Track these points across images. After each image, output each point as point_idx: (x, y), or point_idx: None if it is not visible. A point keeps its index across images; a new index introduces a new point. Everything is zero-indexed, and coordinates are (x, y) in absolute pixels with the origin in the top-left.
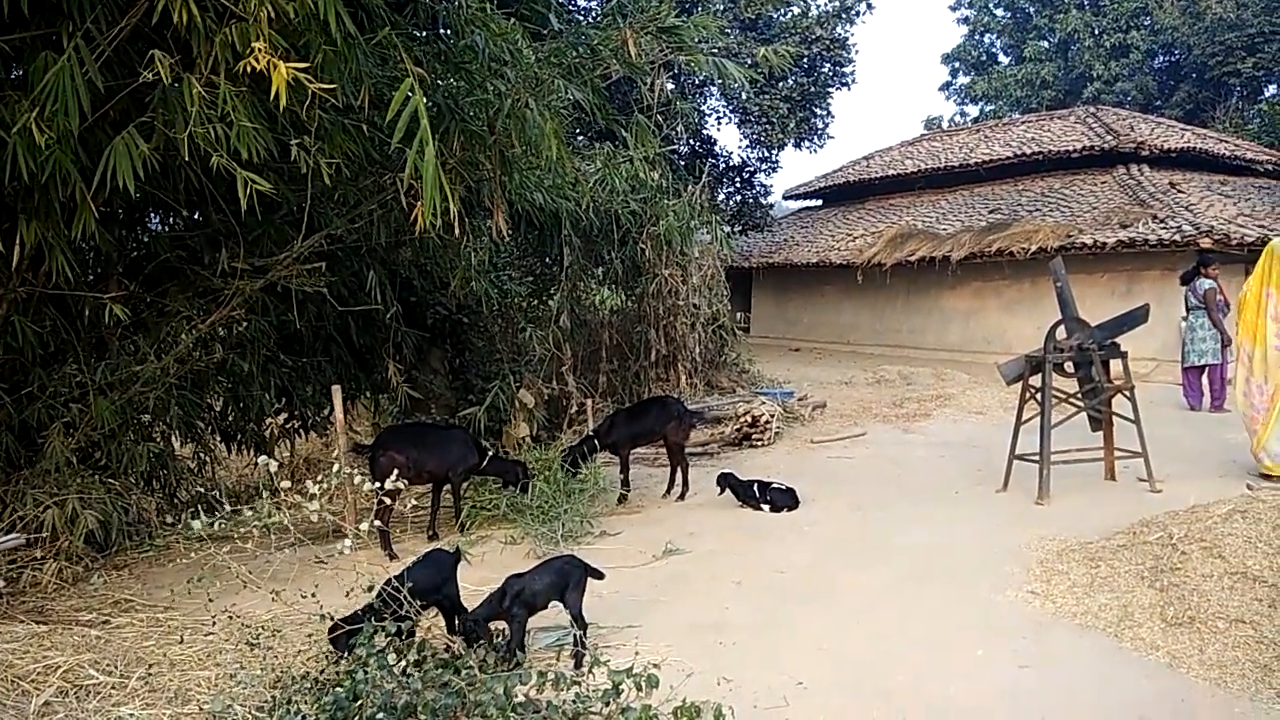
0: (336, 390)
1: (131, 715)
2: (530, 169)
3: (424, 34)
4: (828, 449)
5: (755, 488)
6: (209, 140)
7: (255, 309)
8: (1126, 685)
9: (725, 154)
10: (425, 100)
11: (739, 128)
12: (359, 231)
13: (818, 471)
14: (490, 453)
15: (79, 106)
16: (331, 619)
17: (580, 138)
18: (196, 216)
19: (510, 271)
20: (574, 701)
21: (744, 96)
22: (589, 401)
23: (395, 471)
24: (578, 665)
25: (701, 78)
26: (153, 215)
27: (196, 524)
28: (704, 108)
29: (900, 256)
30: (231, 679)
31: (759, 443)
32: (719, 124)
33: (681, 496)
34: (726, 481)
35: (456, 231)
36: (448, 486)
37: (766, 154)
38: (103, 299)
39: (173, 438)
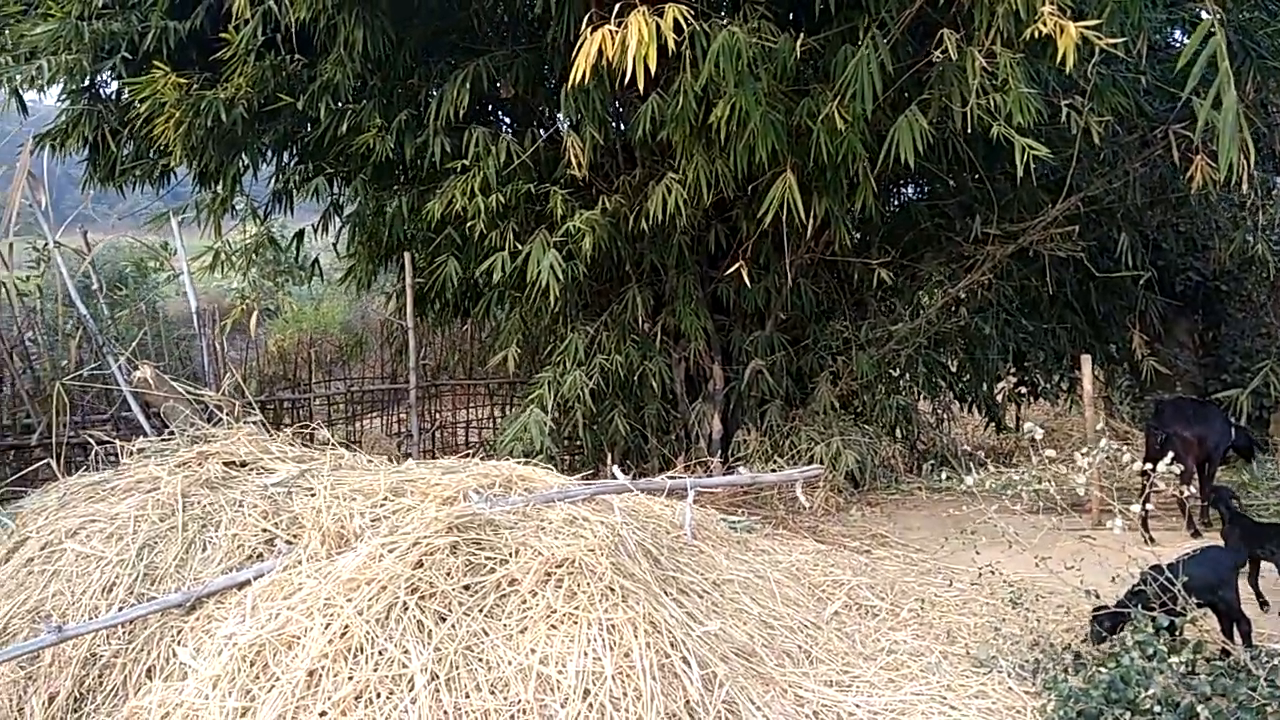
0: (1086, 360)
1: (904, 642)
2: None
3: None
4: None
5: None
6: (986, 110)
7: (999, 273)
8: None
9: None
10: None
11: None
12: (1115, 192)
13: None
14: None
15: (873, 91)
16: (1097, 597)
17: None
18: (951, 184)
19: None
20: None
21: None
22: None
23: (1176, 453)
24: None
25: None
26: (909, 185)
27: (969, 479)
28: None
29: None
30: (995, 631)
31: None
32: None
33: None
34: None
35: (1245, 187)
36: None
37: None
38: (870, 264)
39: (916, 393)
